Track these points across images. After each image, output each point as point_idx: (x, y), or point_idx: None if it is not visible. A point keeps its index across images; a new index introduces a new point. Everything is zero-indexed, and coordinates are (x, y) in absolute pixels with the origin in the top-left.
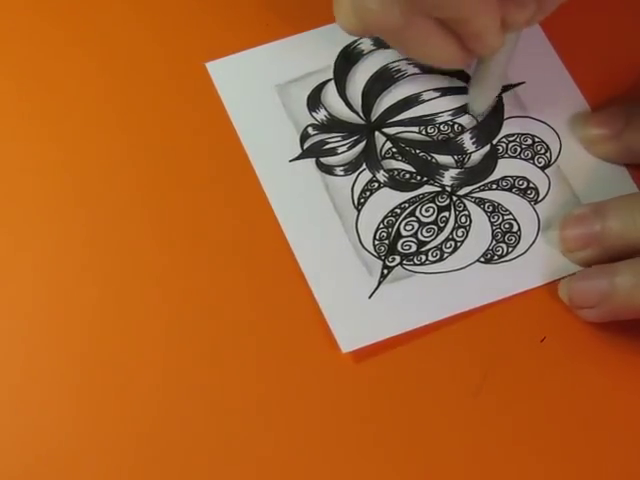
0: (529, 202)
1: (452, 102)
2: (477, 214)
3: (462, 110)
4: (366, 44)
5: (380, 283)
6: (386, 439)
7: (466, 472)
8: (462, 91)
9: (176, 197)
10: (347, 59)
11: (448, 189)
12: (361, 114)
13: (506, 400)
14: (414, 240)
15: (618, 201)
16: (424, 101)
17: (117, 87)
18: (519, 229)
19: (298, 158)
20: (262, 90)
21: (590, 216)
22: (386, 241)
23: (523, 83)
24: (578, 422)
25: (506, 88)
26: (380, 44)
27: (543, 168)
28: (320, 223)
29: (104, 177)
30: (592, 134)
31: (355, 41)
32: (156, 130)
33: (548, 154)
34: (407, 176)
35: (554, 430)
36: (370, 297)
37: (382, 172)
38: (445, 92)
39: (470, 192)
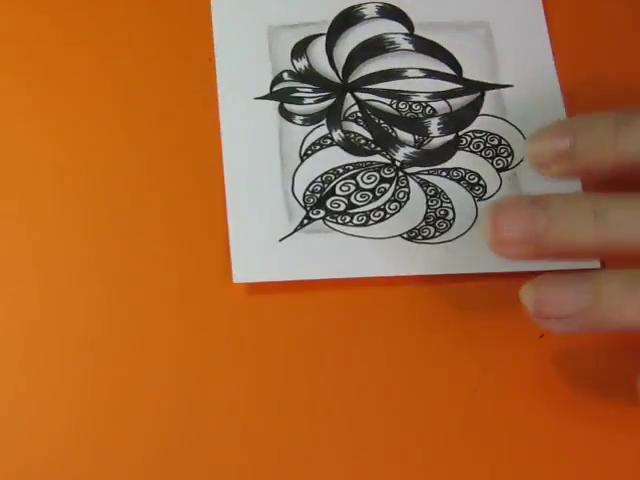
0: (473, 197)
1: (434, 85)
2: (417, 194)
3: (440, 96)
4: (370, 10)
5: (296, 230)
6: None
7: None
8: (448, 77)
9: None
10: (346, 19)
11: (397, 164)
12: (340, 73)
13: (505, 396)
14: (345, 201)
15: (564, 200)
16: (406, 77)
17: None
18: (453, 218)
19: (264, 98)
20: (253, 28)
21: (533, 207)
22: (317, 194)
23: (511, 86)
24: (578, 418)
25: (492, 87)
26: (384, 14)
27: (499, 170)
28: (260, 161)
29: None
30: (540, 153)
31: (360, 4)
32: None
33: (509, 159)
34: (362, 141)
35: (551, 426)
36: (281, 240)
37: (339, 131)
38: (431, 74)
39: (418, 172)
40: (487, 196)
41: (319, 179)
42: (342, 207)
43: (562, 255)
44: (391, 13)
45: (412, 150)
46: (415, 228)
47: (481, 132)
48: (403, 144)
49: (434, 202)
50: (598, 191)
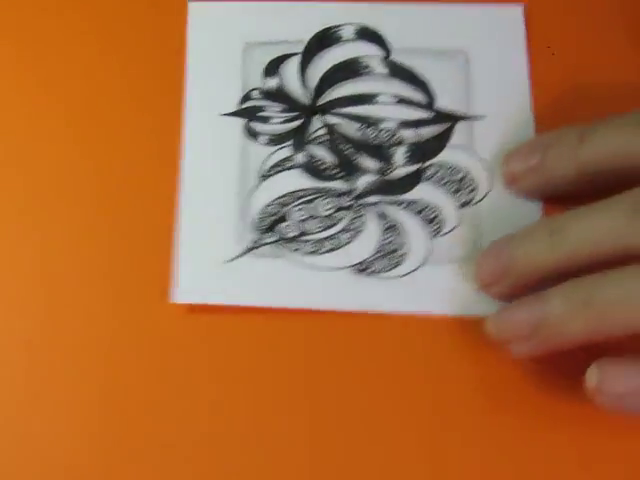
0: (430, 232)
1: (404, 113)
2: (372, 225)
3: (410, 124)
4: (347, 31)
5: (244, 253)
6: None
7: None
8: (420, 106)
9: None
10: (322, 40)
11: (357, 192)
12: (311, 95)
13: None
14: (299, 226)
15: (524, 230)
16: (377, 103)
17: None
18: (406, 253)
19: (230, 114)
20: (228, 42)
21: (500, 247)
22: (271, 217)
23: (483, 117)
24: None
25: (464, 118)
26: (362, 36)
27: (461, 205)
28: (218, 178)
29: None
30: (511, 170)
31: (338, 25)
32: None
33: (472, 194)
34: (324, 166)
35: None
36: (227, 262)
37: (303, 154)
38: (402, 101)
39: (377, 202)
40: (444, 232)
41: (275, 202)
42: (295, 233)
43: (536, 281)
44: (369, 36)
45: (374, 178)
46: (366, 260)
47: (447, 164)
48: (366, 172)
49: (388, 235)
50: (563, 205)
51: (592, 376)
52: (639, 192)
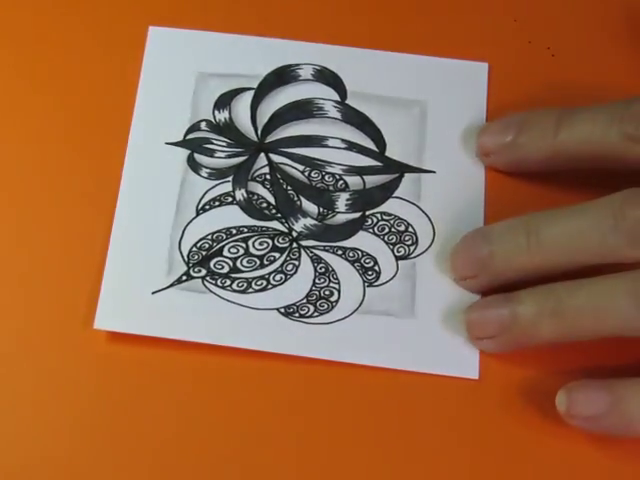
0: (364, 282)
1: (352, 159)
2: (306, 269)
3: (356, 171)
4: (306, 71)
5: (172, 285)
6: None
7: None
8: (369, 153)
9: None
10: (279, 77)
11: (294, 234)
12: (258, 132)
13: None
14: (230, 263)
15: (502, 225)
16: (326, 146)
17: None
18: (337, 300)
19: (175, 144)
20: (182, 71)
21: (478, 240)
22: (203, 252)
23: (433, 172)
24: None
25: (413, 170)
26: (319, 78)
27: (398, 258)
28: (154, 207)
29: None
30: (485, 144)
31: (297, 64)
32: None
33: (412, 247)
34: (264, 205)
35: None
36: (154, 293)
37: (243, 191)
38: (352, 147)
39: (313, 246)
40: (379, 283)
41: (209, 236)
42: (225, 269)
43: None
44: (327, 78)
45: (313, 222)
46: (294, 304)
47: (389, 215)
48: (305, 215)
49: (322, 280)
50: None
51: (561, 402)
52: (617, 200)
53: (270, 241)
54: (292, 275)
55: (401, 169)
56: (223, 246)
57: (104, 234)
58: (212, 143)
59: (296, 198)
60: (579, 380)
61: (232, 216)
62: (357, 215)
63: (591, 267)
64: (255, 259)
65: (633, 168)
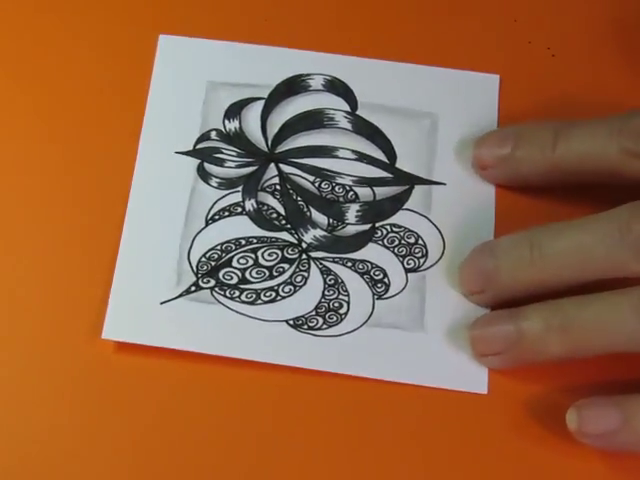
0: (373, 294)
1: (362, 170)
2: (315, 280)
3: (366, 182)
4: (317, 81)
5: (181, 296)
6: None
7: None
8: (379, 164)
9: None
10: (290, 87)
11: (304, 245)
12: (269, 142)
13: None
14: (239, 274)
15: (507, 240)
16: (336, 157)
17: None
18: (346, 313)
19: (185, 153)
20: (193, 79)
21: (484, 255)
22: (212, 262)
23: (443, 184)
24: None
25: (423, 182)
26: (330, 88)
27: (408, 270)
28: (164, 217)
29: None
30: (482, 157)
31: (308, 74)
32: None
33: (422, 260)
34: (273, 216)
35: None
36: (162, 303)
37: (253, 201)
38: (362, 158)
39: (323, 258)
40: (388, 295)
41: (219, 247)
42: (234, 280)
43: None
44: (337, 88)
45: (323, 234)
46: (303, 316)
47: (399, 227)
48: (315, 226)
49: (331, 292)
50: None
51: (572, 420)
52: (623, 214)
53: (279, 252)
54: (301, 287)
55: (411, 181)
56: (232, 257)
57: (113, 243)
58: (222, 153)
59: (306, 209)
60: (588, 397)
61: (241, 226)
62: (367, 227)
63: (596, 281)
64: (264, 270)
65: (633, 183)
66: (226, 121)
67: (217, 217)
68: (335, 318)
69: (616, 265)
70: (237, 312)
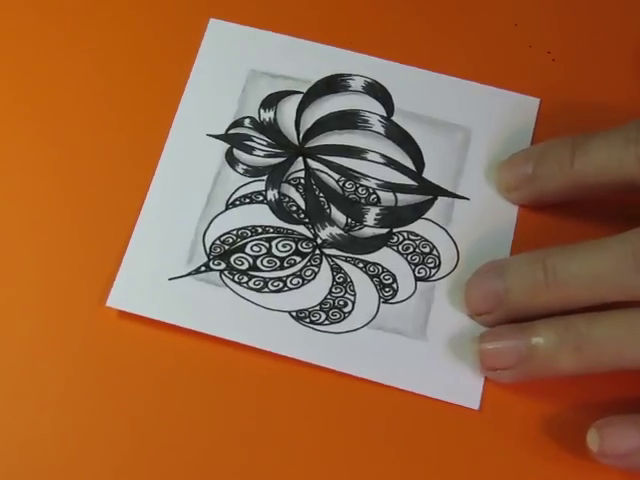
0: (380, 297)
1: (389, 175)
2: (324, 276)
3: (390, 187)
4: (357, 82)
5: (189, 274)
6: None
7: None
8: (406, 172)
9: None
10: (329, 85)
11: (318, 241)
12: (300, 136)
13: None
14: (250, 261)
15: (517, 261)
16: (365, 159)
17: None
18: (350, 312)
19: (216, 137)
20: (235, 66)
21: (492, 276)
22: (226, 246)
23: (467, 199)
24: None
25: (447, 194)
26: (369, 91)
27: (418, 279)
28: (186, 196)
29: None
30: (506, 180)
31: (349, 74)
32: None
33: (434, 270)
34: (293, 208)
35: None
36: (170, 280)
37: (275, 192)
38: (390, 163)
39: (336, 256)
40: (395, 301)
41: (234, 232)
42: (245, 266)
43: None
44: (376, 92)
45: (339, 232)
46: (306, 309)
47: (416, 235)
48: (333, 223)
49: (338, 290)
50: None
51: (593, 440)
52: (637, 237)
53: (293, 244)
54: (310, 281)
55: (435, 192)
56: (246, 243)
57: (132, 216)
58: (252, 140)
59: (326, 206)
60: (606, 417)
61: (260, 215)
62: (384, 231)
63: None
64: (276, 260)
65: None
66: (261, 110)
67: (238, 203)
68: (338, 315)
69: (630, 289)
70: (242, 297)
